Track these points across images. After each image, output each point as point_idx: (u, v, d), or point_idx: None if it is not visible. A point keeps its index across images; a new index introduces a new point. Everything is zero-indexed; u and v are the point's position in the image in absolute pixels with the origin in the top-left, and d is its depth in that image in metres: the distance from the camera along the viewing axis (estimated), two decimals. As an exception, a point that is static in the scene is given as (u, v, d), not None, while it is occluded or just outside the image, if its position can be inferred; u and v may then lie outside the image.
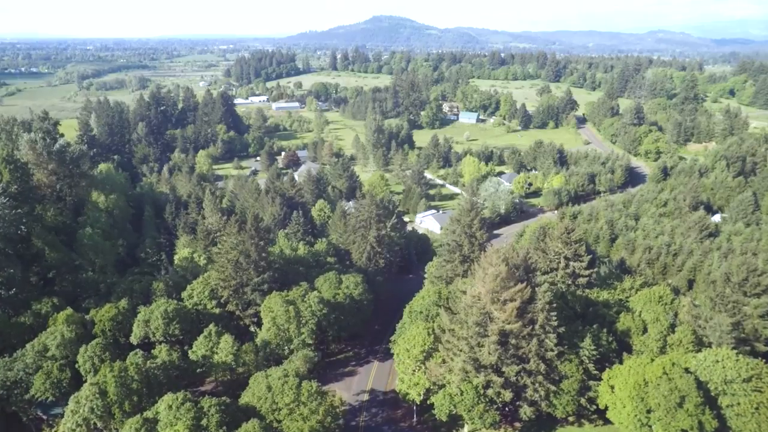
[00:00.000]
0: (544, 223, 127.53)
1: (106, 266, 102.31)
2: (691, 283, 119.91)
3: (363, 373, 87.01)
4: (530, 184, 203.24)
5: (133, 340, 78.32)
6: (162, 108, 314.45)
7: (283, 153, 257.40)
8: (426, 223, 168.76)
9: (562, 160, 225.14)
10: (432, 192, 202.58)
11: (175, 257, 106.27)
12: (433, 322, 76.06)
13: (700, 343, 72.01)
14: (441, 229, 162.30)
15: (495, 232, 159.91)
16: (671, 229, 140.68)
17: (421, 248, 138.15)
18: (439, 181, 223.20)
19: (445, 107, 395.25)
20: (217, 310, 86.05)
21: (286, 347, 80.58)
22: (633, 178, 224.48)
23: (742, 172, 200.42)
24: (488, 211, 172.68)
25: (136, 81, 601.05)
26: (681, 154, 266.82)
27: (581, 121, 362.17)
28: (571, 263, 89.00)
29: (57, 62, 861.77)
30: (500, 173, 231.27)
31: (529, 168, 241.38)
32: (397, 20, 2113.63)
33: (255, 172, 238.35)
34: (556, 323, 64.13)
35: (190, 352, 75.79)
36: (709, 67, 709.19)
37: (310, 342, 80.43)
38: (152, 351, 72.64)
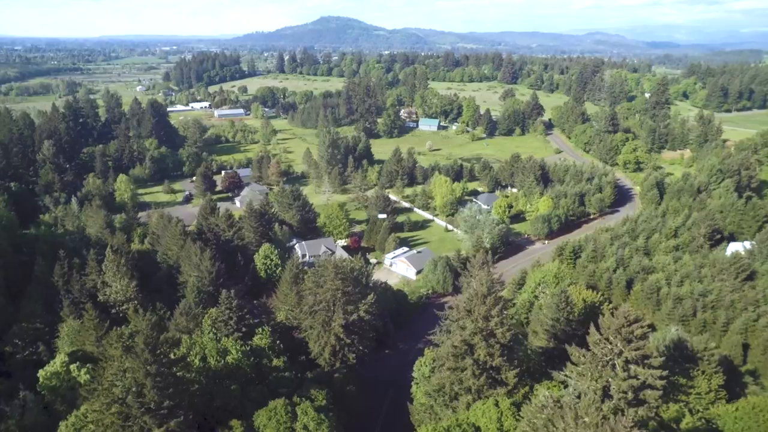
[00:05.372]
0: (562, 278, 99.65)
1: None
2: (745, 349, 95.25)
3: None
4: (511, 206, 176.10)
5: None
6: (80, 120, 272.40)
7: (223, 172, 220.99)
8: (398, 266, 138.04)
9: (544, 176, 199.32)
10: (400, 219, 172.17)
11: (45, 369, 70.95)
12: None
13: None
14: (417, 274, 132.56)
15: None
16: (698, 271, 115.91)
17: (396, 309, 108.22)
18: (407, 204, 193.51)
19: (403, 113, 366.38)
20: (93, 481, 53.22)
21: None
22: (619, 194, 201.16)
23: (738, 187, 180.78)
24: (469, 245, 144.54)
25: (65, 86, 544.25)
26: (659, 164, 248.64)
27: (548, 126, 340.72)
28: (634, 368, 60.93)
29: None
30: (474, 191, 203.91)
31: (504, 185, 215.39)
32: (345, 21, 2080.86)
33: (189, 198, 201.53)
34: None
35: None
36: (653, 68, 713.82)
37: None
38: None
